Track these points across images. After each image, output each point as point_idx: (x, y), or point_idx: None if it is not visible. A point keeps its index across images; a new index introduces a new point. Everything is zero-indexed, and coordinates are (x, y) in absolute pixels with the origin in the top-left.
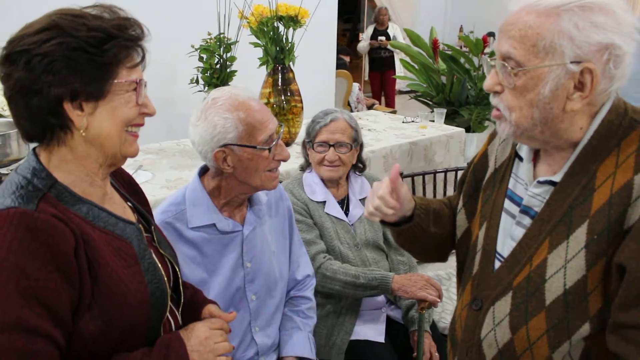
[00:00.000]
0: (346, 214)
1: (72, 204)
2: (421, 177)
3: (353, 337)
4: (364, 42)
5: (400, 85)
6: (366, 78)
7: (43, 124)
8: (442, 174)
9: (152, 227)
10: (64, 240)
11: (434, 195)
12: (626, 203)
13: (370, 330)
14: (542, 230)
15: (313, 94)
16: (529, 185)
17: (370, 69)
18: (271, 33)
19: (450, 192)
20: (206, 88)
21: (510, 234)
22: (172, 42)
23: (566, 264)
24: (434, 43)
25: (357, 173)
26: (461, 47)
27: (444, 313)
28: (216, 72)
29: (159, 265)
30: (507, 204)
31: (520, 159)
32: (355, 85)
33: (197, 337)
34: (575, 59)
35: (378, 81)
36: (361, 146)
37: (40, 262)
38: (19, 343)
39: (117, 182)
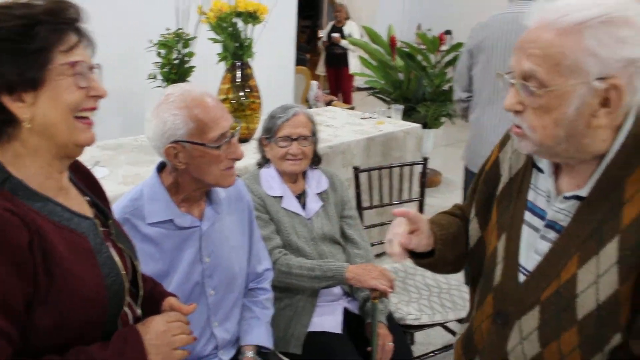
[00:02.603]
0: (303, 208)
1: (27, 199)
2: (377, 171)
3: (310, 329)
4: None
5: (358, 82)
6: (322, 74)
7: None
8: (398, 168)
9: (110, 222)
10: (19, 235)
11: (390, 189)
12: None
13: (328, 322)
14: (571, 246)
15: (272, 90)
16: (552, 199)
17: (327, 65)
18: (230, 29)
19: (406, 186)
20: (165, 84)
21: (534, 247)
22: (131, 38)
23: (598, 280)
24: (392, 40)
25: (313, 167)
26: (419, 46)
27: (400, 304)
28: (174, 67)
29: (116, 259)
30: (528, 216)
31: (539, 169)
32: (314, 83)
33: (155, 331)
34: (601, 76)
35: (334, 78)
36: (316, 140)
37: None
38: None
39: (75, 176)
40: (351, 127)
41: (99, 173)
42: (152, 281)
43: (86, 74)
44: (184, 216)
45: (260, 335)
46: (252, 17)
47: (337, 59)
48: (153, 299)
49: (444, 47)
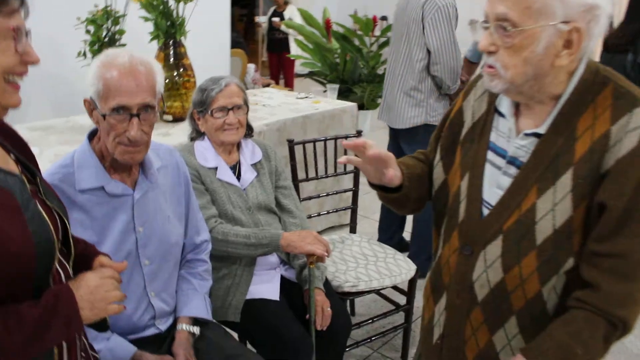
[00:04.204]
0: (238, 179)
1: None
2: (312, 144)
3: (248, 297)
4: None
5: (300, 69)
6: (264, 59)
7: None
8: (333, 141)
9: (37, 179)
10: None
11: (325, 163)
12: (604, 150)
13: (265, 290)
14: (530, 178)
15: (207, 72)
16: (512, 138)
17: (268, 50)
18: (161, 7)
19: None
20: None
21: (496, 183)
22: (57, 16)
23: (554, 207)
24: (327, 23)
25: (246, 137)
26: (356, 31)
27: (338, 272)
28: (104, 45)
29: (45, 215)
30: (491, 155)
31: (500, 114)
32: (251, 66)
33: (87, 287)
34: (565, 19)
35: (276, 62)
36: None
37: None
38: None
39: (0, 135)
40: (287, 107)
41: None
42: (84, 242)
43: (23, 39)
44: (115, 183)
45: (198, 307)
46: None
47: (279, 44)
48: (85, 258)
49: (377, 32)
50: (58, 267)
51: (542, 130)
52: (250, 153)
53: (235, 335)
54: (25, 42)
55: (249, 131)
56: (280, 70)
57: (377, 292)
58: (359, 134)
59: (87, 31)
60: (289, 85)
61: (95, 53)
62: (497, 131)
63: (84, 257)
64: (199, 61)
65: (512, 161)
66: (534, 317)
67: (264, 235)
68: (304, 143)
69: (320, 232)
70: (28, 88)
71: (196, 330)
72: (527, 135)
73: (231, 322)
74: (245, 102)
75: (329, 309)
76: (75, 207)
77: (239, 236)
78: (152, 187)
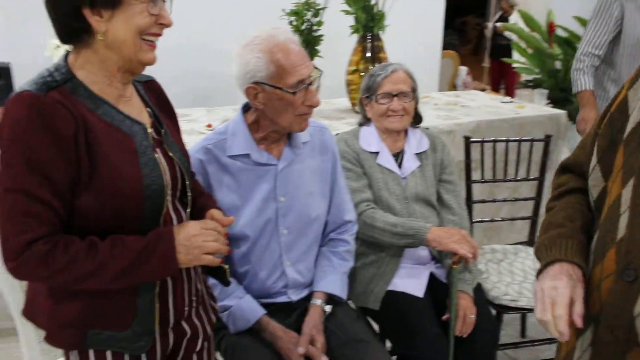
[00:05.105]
0: (399, 167)
1: (85, 98)
2: (491, 144)
3: (391, 288)
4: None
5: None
6: (485, 64)
7: (68, 26)
8: (516, 144)
9: (163, 131)
10: (65, 124)
11: (505, 165)
12: None
13: (410, 284)
14: None
15: (415, 71)
16: None
17: (490, 56)
18: (363, 1)
19: (524, 166)
20: None
21: None
22: (265, 5)
23: None
24: (550, 26)
25: (415, 126)
26: None
27: (500, 283)
28: (302, 33)
29: (161, 163)
30: None
31: None
32: (463, 69)
33: (187, 233)
34: None
35: (497, 70)
36: (417, 98)
37: (43, 139)
38: (21, 204)
39: (147, 92)
40: (487, 109)
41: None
42: (208, 196)
43: (158, 3)
44: (260, 152)
45: (333, 282)
46: None
47: (502, 50)
48: (203, 212)
49: None
50: (172, 213)
51: None
52: (416, 142)
53: (375, 325)
54: (160, 7)
55: (418, 119)
56: (501, 78)
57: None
58: (547, 138)
59: (290, 22)
60: (509, 94)
61: None
62: None
63: (202, 209)
64: (407, 60)
65: None
66: None
67: (411, 226)
68: (482, 142)
69: (493, 241)
70: None
71: (328, 308)
72: None
73: (370, 309)
74: (413, 90)
75: (472, 316)
76: (225, 171)
77: (387, 223)
78: (297, 161)
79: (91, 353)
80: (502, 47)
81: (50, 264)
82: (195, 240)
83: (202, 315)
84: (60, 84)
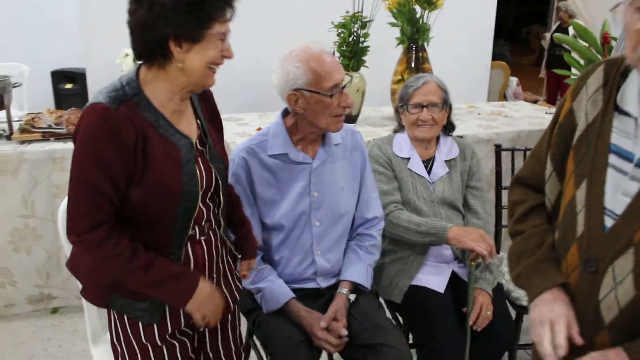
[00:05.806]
0: (429, 173)
1: (146, 111)
2: (522, 152)
3: (415, 283)
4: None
5: None
6: (542, 75)
7: (151, 51)
8: None
9: (208, 145)
10: (128, 134)
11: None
12: None
13: (432, 280)
14: None
15: (458, 78)
16: None
17: (546, 67)
18: (408, 14)
19: None
20: (340, 60)
21: (622, 190)
22: (314, 19)
23: None
24: (604, 37)
25: (447, 134)
26: None
27: None
28: (349, 45)
29: (199, 172)
30: (614, 159)
31: (621, 112)
32: (513, 79)
33: (206, 296)
34: None
35: (553, 81)
36: (450, 108)
37: (109, 145)
38: (88, 192)
39: (201, 103)
40: (529, 119)
41: None
42: (248, 229)
43: (227, 40)
44: (297, 152)
45: (358, 272)
46: (427, 2)
47: (558, 61)
48: (246, 240)
49: None
50: (203, 208)
51: None
52: (447, 150)
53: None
54: (227, 42)
55: (451, 128)
56: (557, 89)
57: None
58: None
59: (338, 34)
60: None
61: (343, 53)
62: (618, 132)
63: (246, 239)
64: (449, 68)
65: None
66: None
67: (434, 225)
68: (512, 150)
69: None
70: None
71: (352, 296)
72: None
73: (393, 302)
74: (445, 101)
75: (489, 312)
76: (266, 168)
77: (412, 223)
78: (330, 160)
79: (115, 314)
80: (558, 58)
81: (102, 249)
82: (208, 305)
83: (224, 291)
84: (129, 98)
